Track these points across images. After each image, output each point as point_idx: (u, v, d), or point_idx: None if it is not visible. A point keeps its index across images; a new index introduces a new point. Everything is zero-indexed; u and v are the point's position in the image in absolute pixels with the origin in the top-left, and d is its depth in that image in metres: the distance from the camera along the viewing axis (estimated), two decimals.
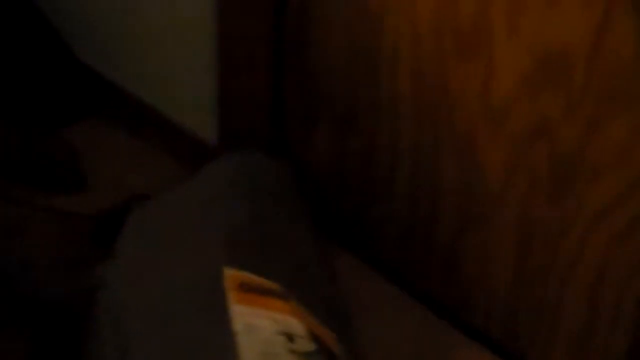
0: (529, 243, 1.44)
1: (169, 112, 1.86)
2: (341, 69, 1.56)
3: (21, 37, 1.91)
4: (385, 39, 1.47)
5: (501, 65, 1.33)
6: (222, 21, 1.65)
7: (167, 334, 1.23)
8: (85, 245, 1.42)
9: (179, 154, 1.83)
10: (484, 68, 1.35)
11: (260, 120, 1.69)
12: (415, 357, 1.51)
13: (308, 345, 1.25)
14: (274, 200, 1.50)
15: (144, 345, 1.22)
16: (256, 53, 1.64)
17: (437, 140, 1.48)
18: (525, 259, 1.45)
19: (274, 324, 1.24)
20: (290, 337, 1.24)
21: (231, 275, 1.26)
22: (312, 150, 1.66)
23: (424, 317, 1.61)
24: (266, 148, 1.70)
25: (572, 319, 1.42)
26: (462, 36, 1.37)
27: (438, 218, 1.53)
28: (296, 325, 1.26)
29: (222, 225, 1.36)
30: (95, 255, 1.37)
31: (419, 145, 1.51)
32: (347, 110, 1.56)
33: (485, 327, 1.55)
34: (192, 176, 1.49)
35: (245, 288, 1.26)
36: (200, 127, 1.81)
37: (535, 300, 1.47)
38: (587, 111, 1.29)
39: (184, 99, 1.81)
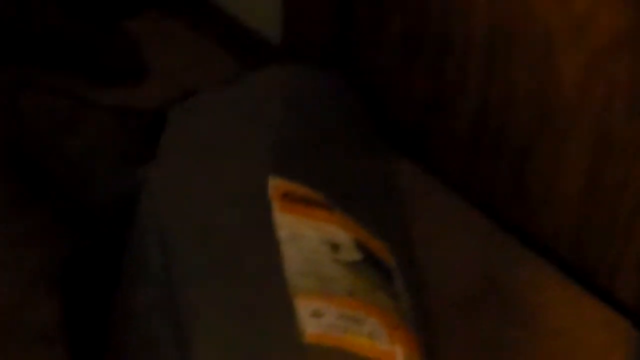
0: (603, 160, 1.43)
1: (232, 8, 1.87)
2: None
3: None
4: None
5: None
6: None
7: (210, 242, 1.25)
8: (138, 142, 1.42)
9: (240, 52, 1.85)
10: None
11: (327, 20, 1.70)
12: (481, 273, 1.53)
13: (354, 255, 1.25)
14: (329, 111, 1.48)
15: (187, 253, 1.24)
16: None
17: (512, 48, 1.48)
18: (598, 176, 1.44)
19: (317, 233, 1.25)
20: (334, 246, 1.24)
21: (276, 184, 1.26)
22: (378, 53, 1.66)
23: (489, 231, 1.64)
24: (330, 50, 1.71)
25: None
26: None
27: (508, 129, 1.55)
28: (341, 234, 1.26)
29: (270, 134, 1.35)
30: (147, 152, 1.38)
31: (492, 52, 1.52)
32: (420, 12, 1.55)
33: (553, 245, 1.56)
34: (245, 78, 1.49)
35: (290, 197, 1.27)
36: (263, 25, 1.80)
37: (605, 220, 1.46)
38: None
39: None
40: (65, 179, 1.49)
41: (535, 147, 1.50)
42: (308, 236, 1.24)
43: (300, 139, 1.39)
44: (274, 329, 1.19)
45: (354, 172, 1.43)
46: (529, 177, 1.55)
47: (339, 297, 1.23)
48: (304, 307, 1.20)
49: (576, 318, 1.48)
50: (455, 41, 1.56)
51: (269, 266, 1.22)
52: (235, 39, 1.84)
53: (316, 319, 1.20)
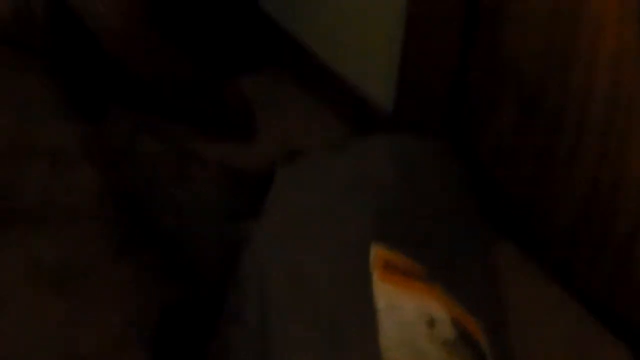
0: None
1: (345, 73, 1.86)
2: (534, 50, 1.53)
3: None
4: (584, 24, 1.46)
5: None
6: (414, 4, 1.66)
7: (309, 304, 1.25)
8: (243, 198, 1.44)
9: (350, 117, 1.84)
10: None
11: (440, 94, 1.69)
12: None
13: (449, 332, 1.24)
14: (435, 184, 1.48)
15: (286, 313, 1.25)
16: (446, 26, 1.64)
17: (629, 128, 1.40)
18: None
19: (415, 306, 1.24)
20: (431, 322, 1.22)
21: (378, 252, 1.26)
22: (490, 131, 1.63)
23: (585, 321, 1.58)
24: (441, 124, 1.69)
25: None
26: None
27: (617, 211, 1.47)
28: (438, 310, 1.25)
29: (374, 201, 1.36)
30: (251, 210, 1.40)
31: (608, 132, 1.45)
32: (535, 91, 1.53)
33: None
34: (353, 143, 1.49)
35: (391, 266, 1.26)
36: (375, 93, 1.80)
37: None
38: None
39: (363, 61, 1.83)
40: (171, 229, 1.51)
41: None
42: (406, 308, 1.23)
43: (404, 208, 1.39)
44: None
45: (455, 247, 1.43)
46: (634, 266, 1.50)
47: None
48: None
49: None
50: (569, 120, 1.51)
51: (365, 334, 1.21)
52: (347, 103, 1.81)
53: None
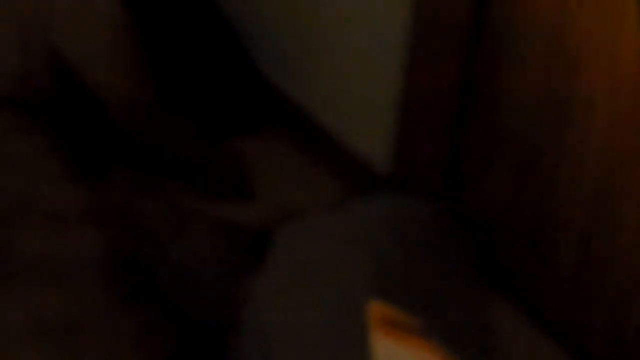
0: None
1: (342, 135, 1.87)
2: (531, 108, 1.58)
3: (206, 43, 1.99)
4: (581, 81, 1.47)
5: None
6: (412, 68, 1.70)
7: (308, 358, 1.25)
8: (240, 256, 1.43)
9: (346, 178, 1.84)
10: None
11: (437, 156, 1.72)
12: None
13: None
14: (432, 242, 1.47)
15: None
16: (444, 91, 1.68)
17: (624, 191, 1.42)
18: None
19: None
20: None
21: (374, 307, 1.22)
22: (485, 190, 1.67)
23: None
24: (438, 185, 1.73)
25: None
26: None
27: (611, 273, 1.48)
28: None
29: (371, 259, 1.35)
30: (249, 268, 1.39)
31: (602, 193, 1.47)
32: (530, 150, 1.55)
33: None
34: (351, 202, 1.48)
35: (389, 322, 1.23)
36: (372, 155, 1.81)
37: None
38: None
39: (360, 124, 1.85)
40: (171, 284, 1.50)
41: (638, 297, 1.45)
42: None
43: (400, 265, 1.38)
44: None
45: (452, 304, 1.41)
46: (629, 324, 1.48)
47: None
48: None
49: None
50: (563, 178, 1.53)
51: None
52: (343, 164, 1.85)
53: None
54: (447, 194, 1.71)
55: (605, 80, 1.43)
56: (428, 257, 1.44)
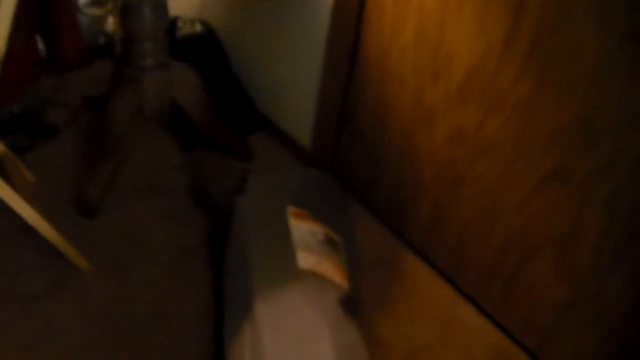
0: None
1: (281, 123, 2.41)
2: (370, 113, 2.00)
3: (226, 89, 2.49)
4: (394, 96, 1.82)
5: None
6: (323, 80, 2.05)
7: (265, 230, 1.76)
8: (239, 187, 2.00)
9: (295, 155, 2.44)
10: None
11: (330, 146, 2.27)
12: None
13: (322, 237, 1.85)
14: (325, 189, 2.04)
15: (253, 234, 1.75)
16: (337, 96, 2.05)
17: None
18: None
19: (307, 228, 1.85)
20: (314, 234, 1.84)
21: (291, 209, 1.92)
22: (350, 163, 2.21)
23: (380, 230, 2.12)
24: (330, 158, 2.28)
25: None
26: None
27: (415, 172, 1.92)
28: (318, 230, 1.88)
29: (295, 193, 1.95)
30: (241, 192, 1.96)
31: (404, 152, 1.93)
32: (372, 138, 2.02)
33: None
34: (289, 171, 2.08)
35: (297, 214, 1.90)
36: (301, 137, 2.39)
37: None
38: None
39: (294, 116, 2.36)
40: (210, 198, 2.16)
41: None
42: (303, 229, 1.82)
43: (308, 197, 1.99)
44: (287, 263, 1.72)
45: (330, 209, 2.03)
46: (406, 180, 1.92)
47: (316, 253, 1.79)
48: (300, 256, 1.76)
49: None
50: (386, 151, 1.98)
51: (288, 240, 1.79)
52: (292, 147, 2.44)
53: (305, 260, 1.74)
54: (334, 164, 2.28)
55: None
56: (320, 193, 2.05)
